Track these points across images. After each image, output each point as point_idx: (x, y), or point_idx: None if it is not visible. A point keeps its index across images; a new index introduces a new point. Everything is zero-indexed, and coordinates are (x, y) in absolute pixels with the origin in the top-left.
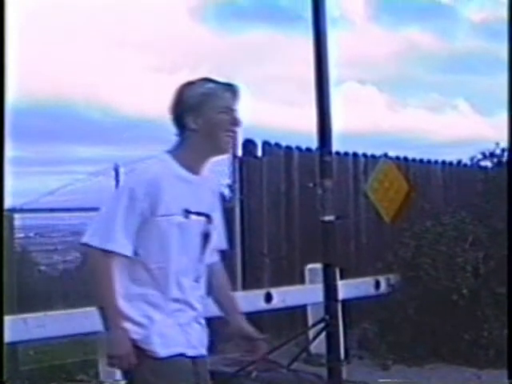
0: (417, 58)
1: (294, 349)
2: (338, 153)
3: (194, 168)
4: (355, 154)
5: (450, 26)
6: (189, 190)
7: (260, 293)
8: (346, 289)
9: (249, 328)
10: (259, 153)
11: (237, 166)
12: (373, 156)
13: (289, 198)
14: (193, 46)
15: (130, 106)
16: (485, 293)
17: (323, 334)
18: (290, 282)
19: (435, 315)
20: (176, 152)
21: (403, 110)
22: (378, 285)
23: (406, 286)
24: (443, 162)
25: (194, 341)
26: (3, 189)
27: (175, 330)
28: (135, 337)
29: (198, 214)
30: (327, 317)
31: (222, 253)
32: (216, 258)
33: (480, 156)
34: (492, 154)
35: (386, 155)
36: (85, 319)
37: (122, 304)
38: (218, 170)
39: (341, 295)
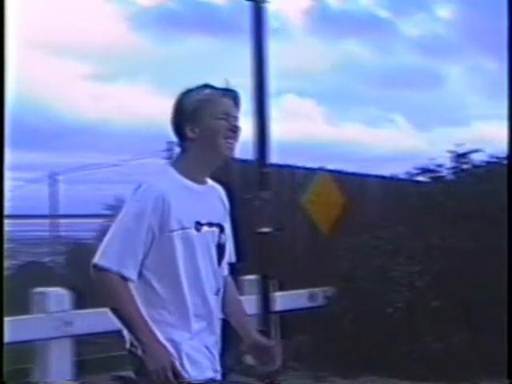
0: (355, 72)
1: (229, 359)
2: (275, 164)
3: (198, 178)
4: (292, 166)
5: (388, 41)
6: (197, 201)
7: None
8: (282, 301)
9: (260, 338)
10: None
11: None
12: (310, 168)
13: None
14: (131, 54)
15: (67, 113)
16: (420, 306)
17: None
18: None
19: (370, 328)
20: (179, 163)
21: (341, 123)
22: (314, 297)
23: (341, 298)
24: (380, 176)
25: (217, 364)
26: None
27: (202, 353)
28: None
29: (210, 224)
30: (263, 328)
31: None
32: (226, 271)
33: (416, 171)
34: (427, 169)
35: (323, 168)
36: (20, 327)
37: None
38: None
39: (277, 307)
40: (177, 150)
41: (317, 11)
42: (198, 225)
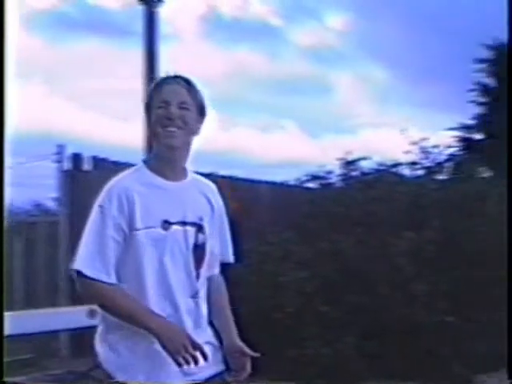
0: (247, 79)
1: None
2: None
3: (168, 173)
4: None
5: (280, 48)
6: (167, 198)
7: (84, 308)
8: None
9: (243, 346)
10: (88, 167)
11: (64, 179)
12: (201, 174)
13: None
14: (22, 55)
15: None
16: (309, 311)
17: None
18: None
19: (259, 333)
20: (150, 160)
21: (232, 128)
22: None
23: (231, 304)
24: (270, 182)
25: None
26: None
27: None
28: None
29: (183, 223)
30: None
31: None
32: (215, 271)
33: (306, 177)
34: (317, 176)
35: (214, 174)
36: None
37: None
38: (46, 183)
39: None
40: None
41: (209, 17)
42: (166, 224)
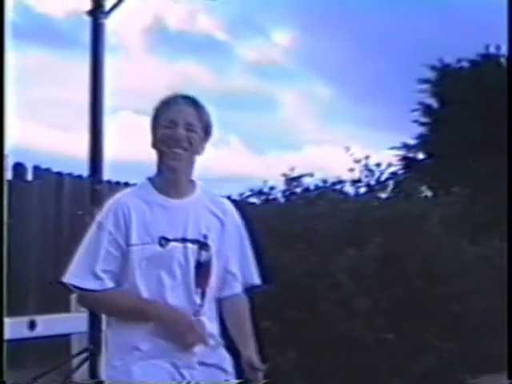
0: (192, 92)
1: (57, 378)
2: (109, 181)
3: (171, 192)
4: (127, 184)
5: (225, 62)
6: (167, 216)
7: (24, 320)
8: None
9: (257, 361)
10: (29, 177)
11: (5, 189)
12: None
13: (58, 224)
14: None
15: None
16: None
17: (86, 364)
18: (56, 310)
19: None
20: (154, 177)
21: None
22: None
23: None
24: None
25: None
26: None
27: (165, 373)
28: None
29: (184, 240)
30: (91, 346)
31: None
32: (235, 291)
33: (249, 192)
34: (261, 192)
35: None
36: None
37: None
38: None
39: (104, 325)
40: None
41: (155, 30)
42: (164, 240)
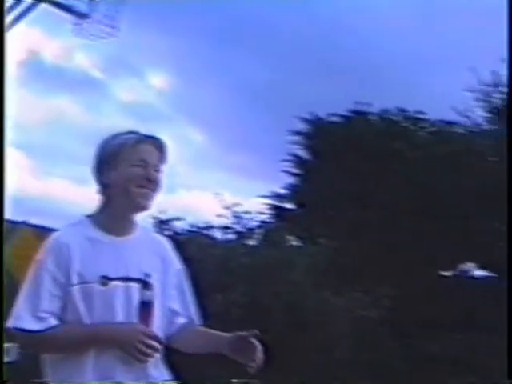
0: (66, 129)
1: None
2: None
3: (115, 228)
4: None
5: (100, 101)
6: (108, 254)
7: None
8: None
9: (233, 335)
10: None
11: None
12: (13, 222)
13: None
14: None
15: None
16: None
17: None
18: None
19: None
20: (96, 214)
21: (49, 177)
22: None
23: None
24: None
25: None
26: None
27: None
28: None
29: (126, 279)
30: None
31: None
32: (179, 323)
33: None
34: None
35: (26, 222)
36: None
37: None
38: None
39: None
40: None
41: (30, 64)
42: (105, 279)
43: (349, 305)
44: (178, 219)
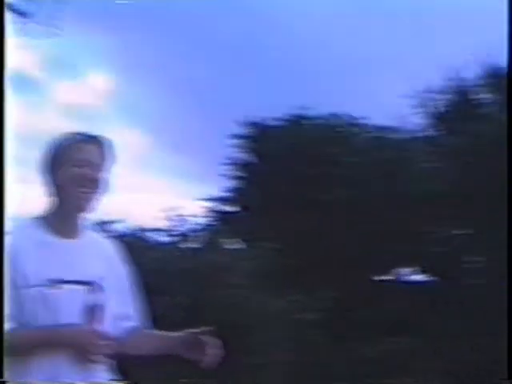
0: (5, 129)
1: None
2: None
3: (62, 231)
4: None
5: (38, 101)
6: (58, 256)
7: None
8: None
9: (184, 333)
10: None
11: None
12: None
13: None
14: None
15: None
16: None
17: None
18: None
19: None
20: (43, 215)
21: None
22: None
23: None
24: None
25: None
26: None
27: None
28: None
29: (76, 282)
30: None
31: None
32: (128, 326)
33: None
34: None
35: None
36: None
37: None
38: None
39: None
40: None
41: None
42: (54, 282)
43: (288, 307)
44: (119, 221)
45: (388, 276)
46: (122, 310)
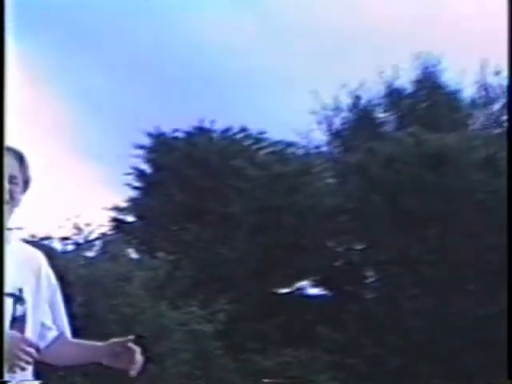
0: None
1: None
2: None
3: None
4: None
5: None
6: None
7: None
8: None
9: (109, 343)
10: None
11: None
12: None
13: None
14: None
15: None
16: None
17: None
18: None
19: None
20: None
21: None
22: None
23: None
24: None
25: None
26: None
27: None
28: None
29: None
30: None
31: None
32: (51, 337)
33: None
34: None
35: None
36: None
37: None
38: None
39: None
40: None
41: None
42: None
43: (185, 318)
44: (18, 228)
45: (288, 288)
46: (44, 321)
